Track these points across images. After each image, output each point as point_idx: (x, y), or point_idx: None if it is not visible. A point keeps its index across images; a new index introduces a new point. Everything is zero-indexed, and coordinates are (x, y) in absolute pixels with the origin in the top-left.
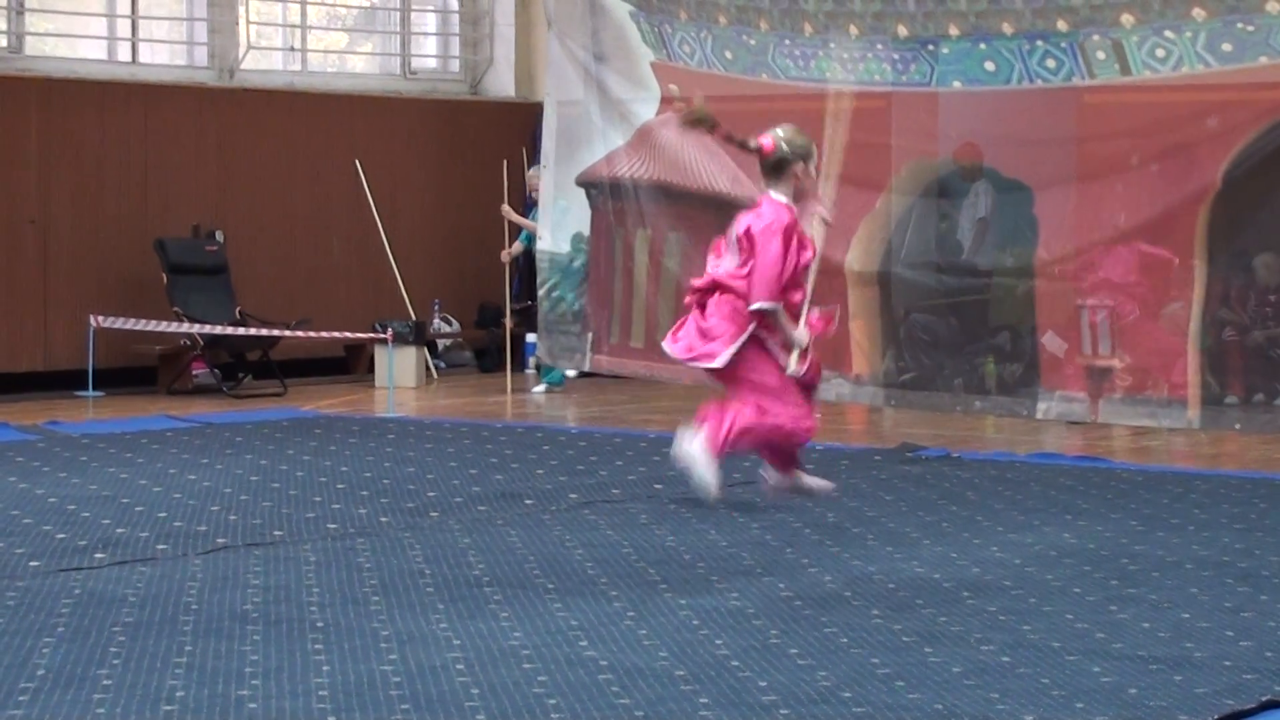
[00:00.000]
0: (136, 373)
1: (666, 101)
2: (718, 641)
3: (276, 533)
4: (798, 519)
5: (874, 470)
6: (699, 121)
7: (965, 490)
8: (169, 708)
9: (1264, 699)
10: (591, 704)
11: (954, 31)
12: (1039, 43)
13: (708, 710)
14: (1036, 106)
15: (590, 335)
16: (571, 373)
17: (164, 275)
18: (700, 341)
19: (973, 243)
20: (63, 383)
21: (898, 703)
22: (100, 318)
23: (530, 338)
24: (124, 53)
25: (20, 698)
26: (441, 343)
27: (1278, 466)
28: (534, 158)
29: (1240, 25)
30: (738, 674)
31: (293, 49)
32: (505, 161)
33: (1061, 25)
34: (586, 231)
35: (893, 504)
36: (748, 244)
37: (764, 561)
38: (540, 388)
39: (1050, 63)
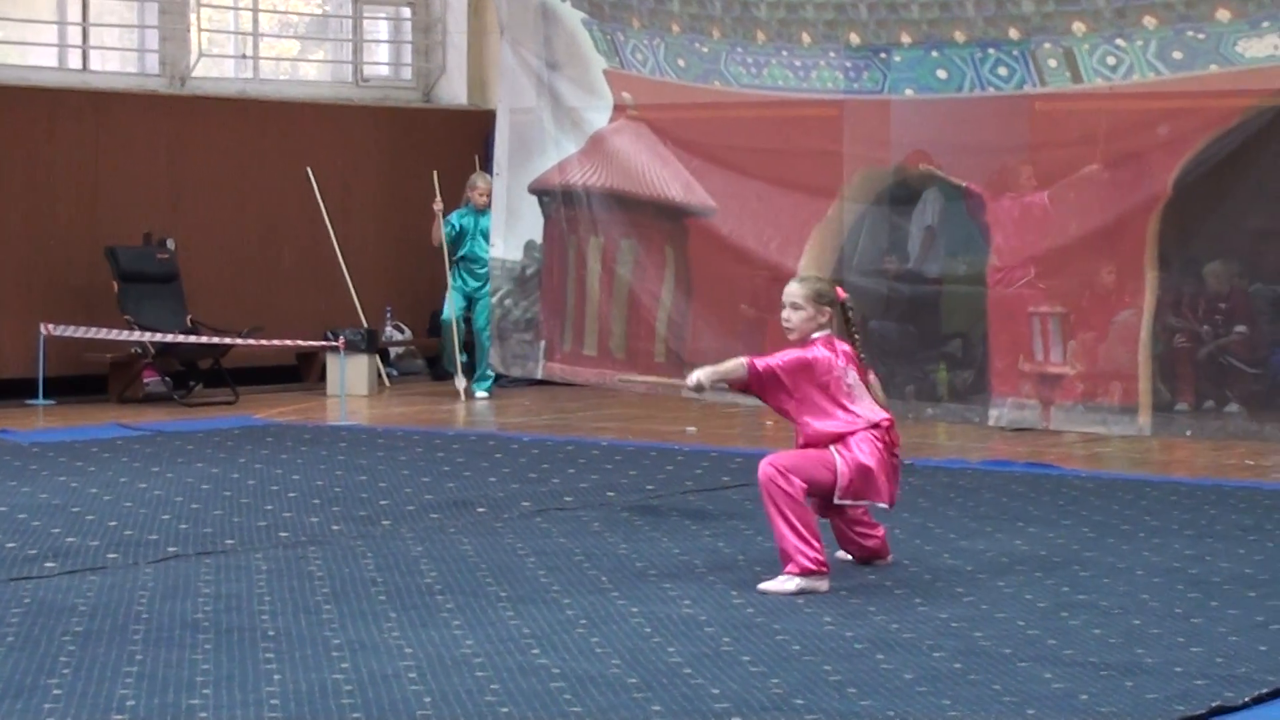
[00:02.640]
0: (87, 381)
1: (619, 109)
2: (670, 649)
3: (228, 541)
4: (749, 526)
5: None
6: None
7: (917, 497)
8: (120, 717)
9: (1214, 704)
10: (544, 712)
11: (906, 39)
12: (991, 51)
13: (660, 718)
14: (988, 114)
15: (543, 343)
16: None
17: (115, 283)
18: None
19: (920, 250)
20: (13, 391)
21: (850, 710)
22: (51, 326)
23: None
24: (75, 60)
25: None
26: (393, 351)
27: (1228, 473)
28: (486, 165)
29: (1191, 34)
30: (690, 681)
31: (244, 56)
32: (435, 173)
33: (1013, 33)
34: (539, 239)
35: None
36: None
37: (717, 569)
38: (482, 394)
39: (1002, 71)
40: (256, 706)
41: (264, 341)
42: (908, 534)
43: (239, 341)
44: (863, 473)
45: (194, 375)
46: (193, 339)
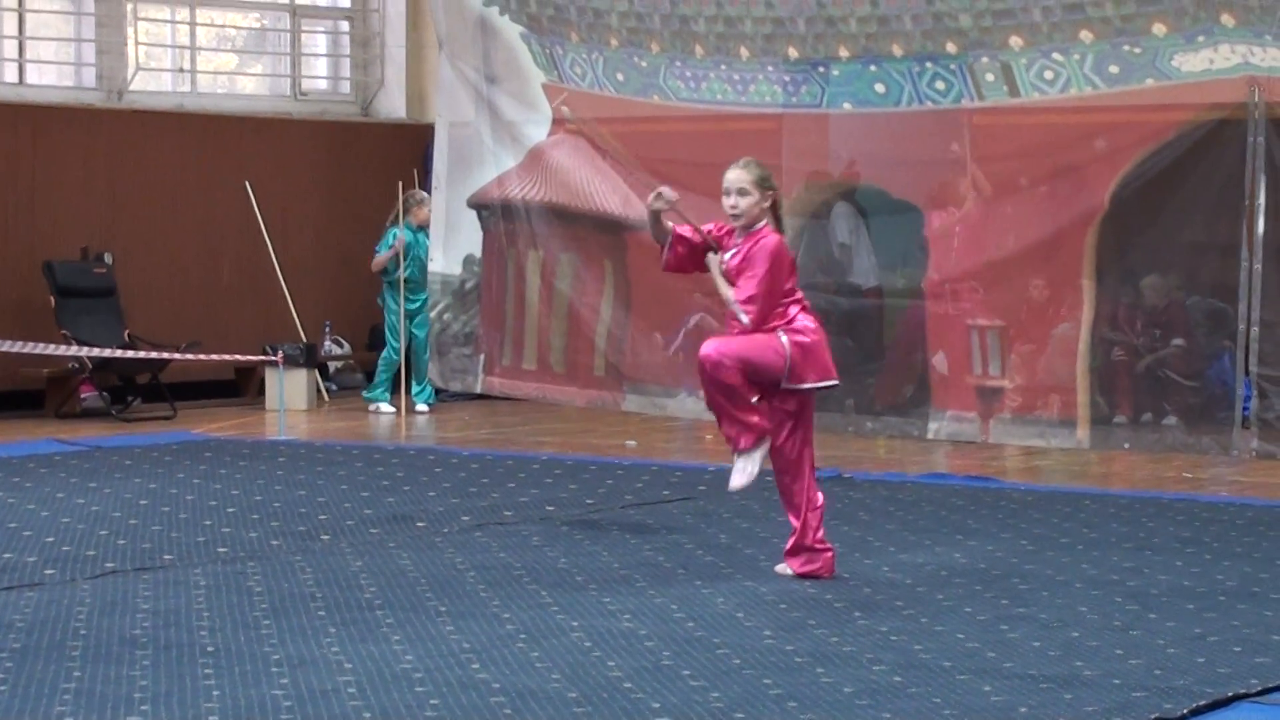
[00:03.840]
0: (24, 396)
1: (558, 123)
2: (610, 663)
3: (166, 557)
4: (690, 540)
5: (766, 492)
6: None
7: (857, 510)
8: None
9: (1153, 717)
10: None
11: (844, 53)
12: (929, 65)
13: None
14: (926, 128)
15: (482, 357)
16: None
17: (52, 298)
18: None
19: (841, 266)
20: None
21: None
22: None
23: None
24: (11, 73)
25: None
26: (333, 365)
27: (1166, 485)
28: (425, 179)
29: (1127, 48)
30: (630, 696)
31: (182, 70)
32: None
33: (951, 47)
34: (478, 253)
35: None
36: None
37: (656, 583)
38: (423, 407)
39: (940, 84)
40: None
41: (202, 356)
42: (847, 547)
43: (177, 356)
44: (805, 350)
45: (132, 390)
46: (131, 354)
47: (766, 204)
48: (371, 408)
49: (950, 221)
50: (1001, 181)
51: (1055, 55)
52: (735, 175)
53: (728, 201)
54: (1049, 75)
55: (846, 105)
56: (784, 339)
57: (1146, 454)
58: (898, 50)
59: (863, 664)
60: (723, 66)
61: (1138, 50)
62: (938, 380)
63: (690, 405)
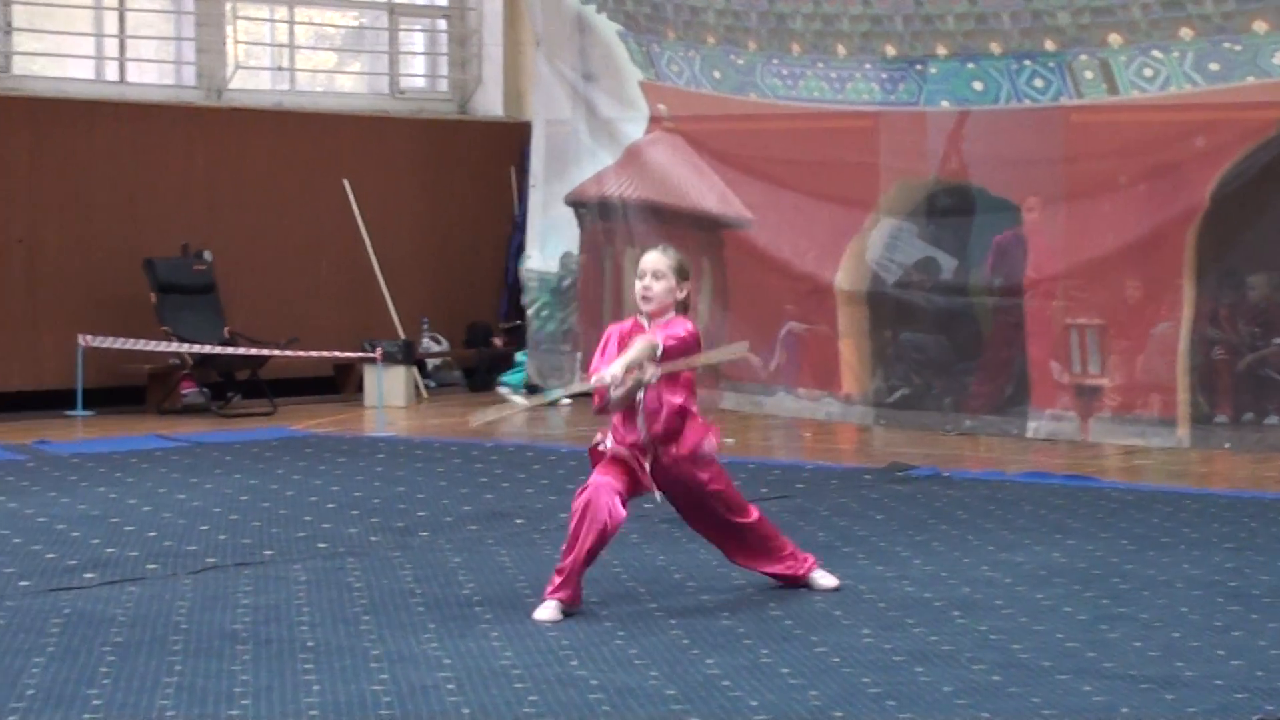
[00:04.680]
0: (125, 392)
1: (655, 121)
2: (708, 661)
3: (266, 552)
4: (790, 538)
5: (864, 489)
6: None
7: (955, 509)
8: None
9: (1255, 718)
10: None
11: (942, 51)
12: (1027, 62)
13: None
14: (1024, 126)
15: (579, 354)
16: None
17: (153, 294)
18: None
19: (935, 265)
20: (52, 402)
21: None
22: (89, 337)
23: (519, 356)
24: (112, 72)
25: (10, 717)
26: (430, 362)
27: (1267, 485)
28: (522, 177)
29: (1227, 45)
30: (728, 693)
31: (281, 68)
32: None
33: (1049, 45)
34: (575, 251)
35: (883, 523)
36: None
37: (754, 581)
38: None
39: (1038, 82)
40: (295, 717)
41: (302, 353)
42: (946, 546)
43: (277, 353)
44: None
45: (232, 386)
46: (231, 350)
47: (681, 295)
48: (504, 391)
49: (1049, 220)
50: (1100, 180)
51: (1155, 53)
52: (654, 258)
53: (643, 284)
54: (1148, 73)
55: (944, 103)
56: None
57: (1248, 454)
58: (996, 48)
59: (962, 663)
60: (819, 64)
61: (1238, 48)
62: (1037, 379)
63: (788, 404)
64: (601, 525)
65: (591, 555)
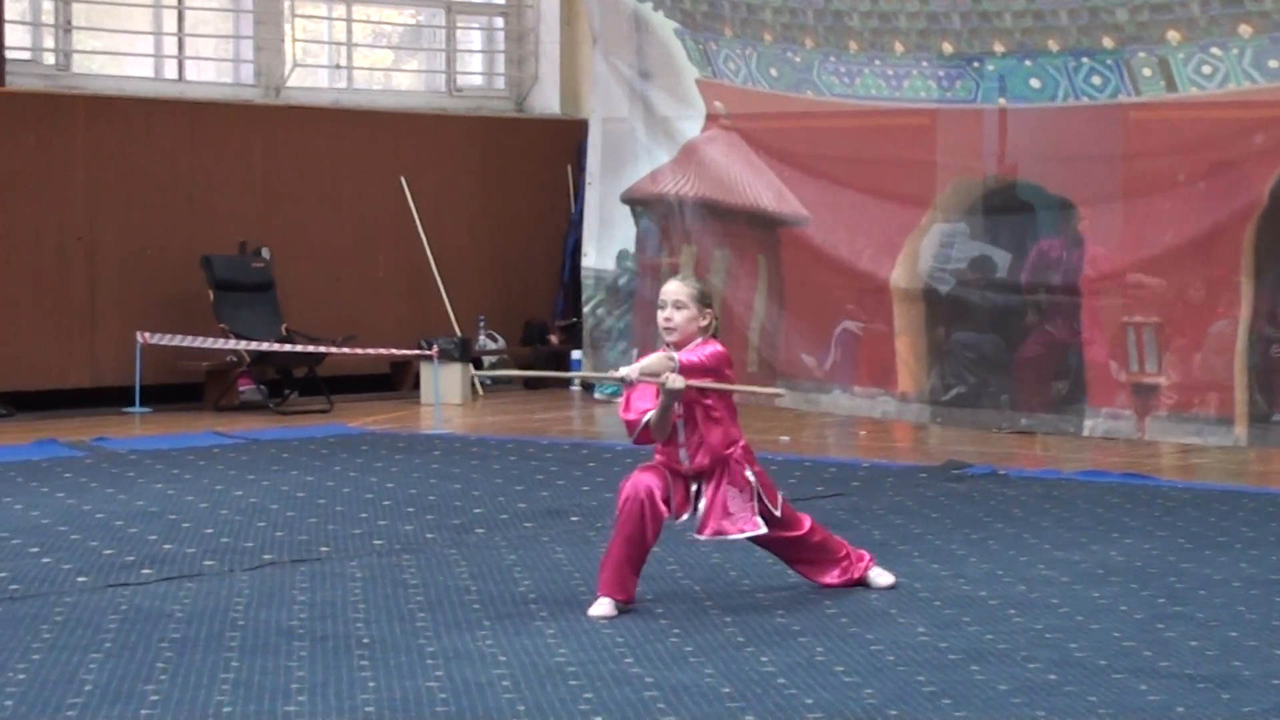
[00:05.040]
0: (183, 389)
1: (712, 118)
2: (764, 658)
3: (323, 549)
4: (843, 536)
5: (920, 488)
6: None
7: (1011, 508)
8: None
9: None
10: None
11: (999, 48)
12: (1085, 60)
13: None
14: (1082, 123)
15: (636, 352)
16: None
17: (210, 292)
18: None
19: (991, 263)
20: (110, 399)
21: None
22: (147, 334)
23: (575, 354)
24: (170, 70)
25: (68, 713)
26: (487, 359)
27: None
28: (579, 175)
29: None
30: (784, 691)
31: (339, 66)
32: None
33: (1107, 42)
34: (632, 249)
35: (939, 521)
36: None
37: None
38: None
39: (1096, 80)
40: (351, 714)
41: (358, 350)
42: (1002, 544)
43: (334, 350)
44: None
45: (289, 383)
46: (288, 347)
47: (704, 322)
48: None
49: (1106, 217)
50: (1158, 177)
51: (1213, 50)
52: (674, 288)
53: (664, 314)
54: (1207, 70)
55: (1001, 101)
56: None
57: None
58: (1054, 45)
59: (1018, 661)
60: (877, 62)
61: None
62: (1094, 377)
63: (843, 402)
64: (638, 519)
65: (631, 549)
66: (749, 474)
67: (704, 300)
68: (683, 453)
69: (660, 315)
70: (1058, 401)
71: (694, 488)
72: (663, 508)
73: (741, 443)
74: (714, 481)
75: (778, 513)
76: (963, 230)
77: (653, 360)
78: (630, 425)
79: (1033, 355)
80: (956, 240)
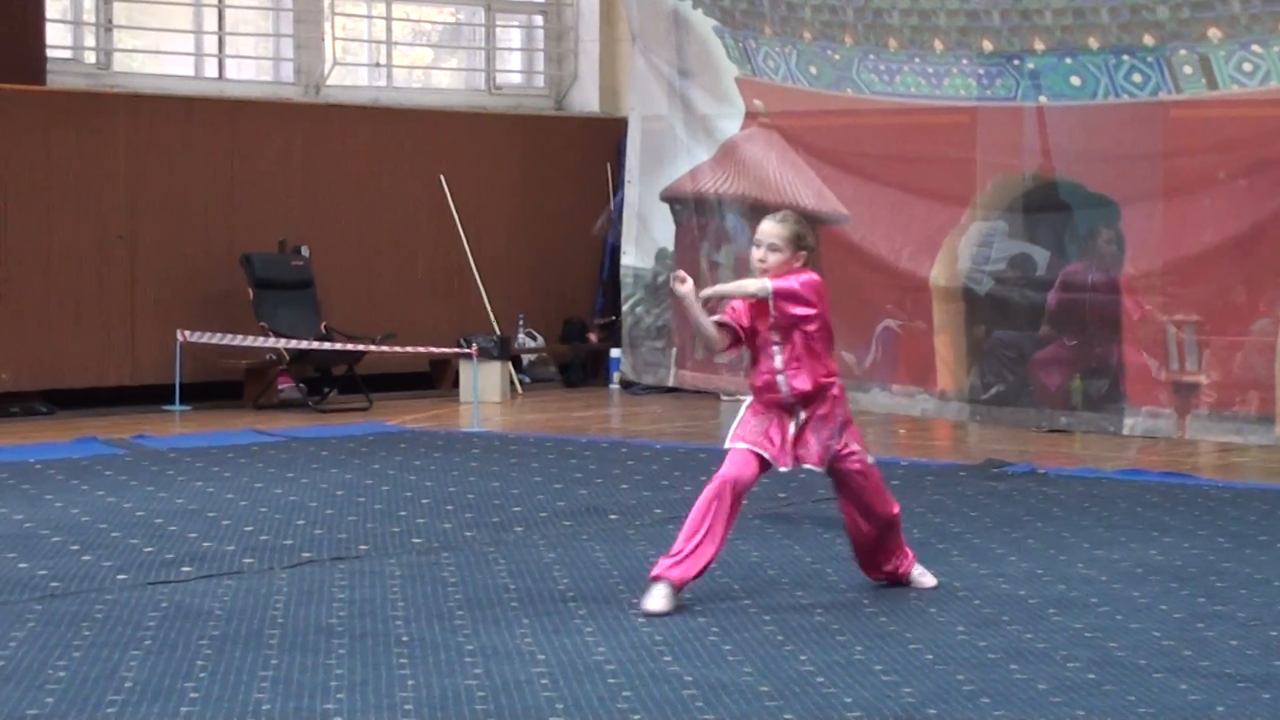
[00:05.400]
0: (223, 387)
1: (751, 116)
2: (802, 657)
3: (362, 547)
4: None
5: (959, 486)
6: None
7: (1051, 506)
8: None
9: None
10: (675, 719)
11: (1040, 46)
12: (1125, 57)
13: None
14: (1123, 121)
15: (674, 350)
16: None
17: (250, 290)
18: None
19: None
20: (150, 397)
21: (983, 719)
22: (187, 332)
23: (615, 352)
24: (211, 69)
25: (108, 710)
26: (526, 358)
27: None
28: (618, 172)
29: None
30: (822, 690)
31: (378, 65)
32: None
33: (1148, 40)
34: (670, 247)
35: (978, 520)
36: None
37: (849, 577)
38: None
39: (1136, 77)
40: (390, 711)
41: (397, 348)
42: (1042, 543)
43: (373, 348)
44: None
45: (328, 381)
46: (327, 345)
47: (797, 264)
48: None
49: (1147, 215)
50: (1199, 175)
51: (1255, 47)
52: (770, 229)
53: (758, 255)
54: (1248, 67)
55: (1042, 99)
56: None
57: None
58: (1094, 43)
59: (1057, 661)
60: (916, 59)
61: None
62: (1133, 376)
63: (882, 400)
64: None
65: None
66: (844, 410)
67: (799, 242)
68: (781, 379)
69: (754, 254)
70: (1098, 400)
71: (792, 427)
72: (742, 501)
73: (839, 381)
74: (810, 411)
75: (870, 459)
76: (1002, 228)
77: (745, 281)
78: (719, 327)
79: (1071, 354)
80: (996, 238)
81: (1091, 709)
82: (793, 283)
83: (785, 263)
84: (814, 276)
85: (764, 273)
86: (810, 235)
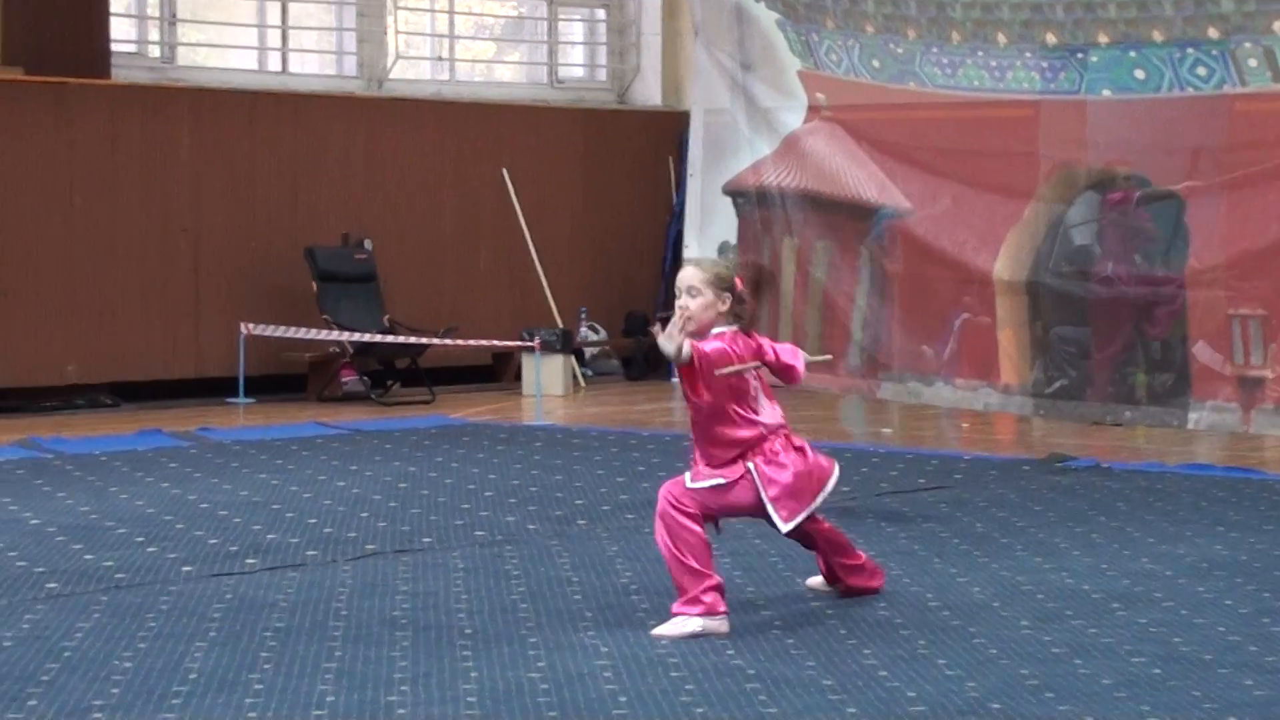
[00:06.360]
0: (286, 380)
1: (813, 110)
2: (866, 651)
3: (425, 540)
4: (946, 529)
5: (1023, 480)
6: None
7: (1115, 501)
8: (319, 713)
9: None
10: (739, 712)
11: (1103, 39)
12: (1190, 50)
13: None
14: (1187, 115)
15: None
16: None
17: (314, 283)
18: None
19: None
20: (214, 390)
21: (1047, 714)
22: (251, 325)
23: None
24: (274, 63)
25: (173, 701)
26: (588, 351)
27: None
28: (680, 166)
29: None
30: (886, 684)
31: (441, 58)
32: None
33: (1213, 33)
34: (733, 240)
35: (1041, 514)
36: None
37: (912, 572)
38: None
39: (1201, 70)
40: (454, 704)
41: (460, 341)
42: (1105, 538)
43: (436, 341)
44: (788, 489)
45: (391, 374)
46: (390, 339)
47: (723, 307)
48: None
49: (1212, 209)
50: (1265, 169)
51: None
52: (689, 274)
53: (679, 302)
54: None
55: (1105, 92)
56: (753, 471)
57: None
58: (1158, 36)
59: (1121, 655)
60: (979, 53)
61: None
62: (1198, 370)
63: (946, 394)
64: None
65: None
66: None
67: (721, 283)
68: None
69: (676, 303)
70: (1162, 394)
71: None
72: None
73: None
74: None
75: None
76: (1065, 222)
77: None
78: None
79: (1135, 348)
80: (1059, 233)
81: (1156, 704)
82: (709, 348)
83: (708, 306)
84: (719, 345)
85: (686, 319)
86: (730, 276)
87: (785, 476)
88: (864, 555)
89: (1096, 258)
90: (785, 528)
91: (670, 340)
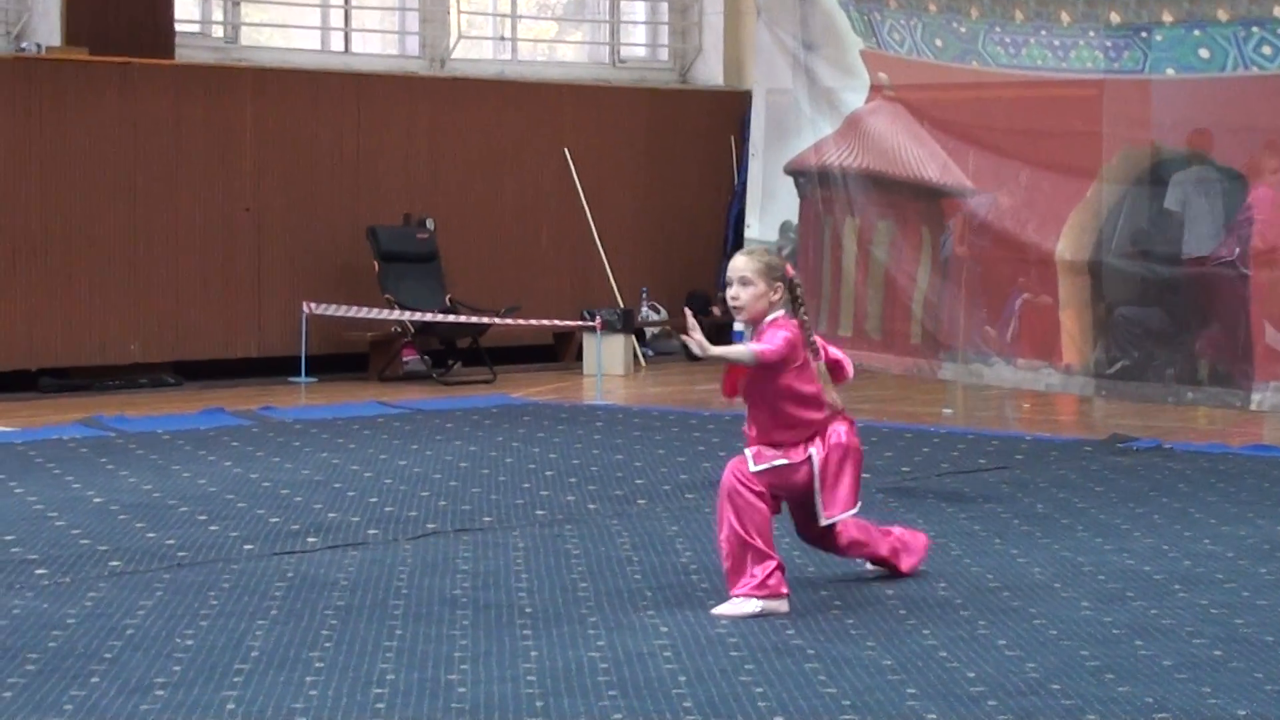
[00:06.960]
0: (348, 359)
1: (875, 89)
2: (925, 631)
3: (486, 519)
4: (1007, 510)
5: (1084, 461)
6: None
7: (1177, 482)
8: (379, 690)
9: None
10: (798, 692)
11: (1167, 18)
12: (1255, 29)
13: (915, 700)
14: (1252, 94)
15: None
16: None
17: (375, 262)
18: None
19: (1150, 235)
20: (276, 369)
21: (1107, 695)
22: (313, 305)
23: (738, 325)
24: (337, 42)
25: (235, 678)
26: (649, 331)
27: None
28: (742, 146)
29: None
30: (945, 664)
31: (503, 38)
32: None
33: (1278, 11)
34: (795, 220)
35: (1103, 495)
36: None
37: (972, 552)
38: None
39: (1266, 50)
40: (514, 683)
41: (521, 321)
42: (1167, 519)
43: (497, 321)
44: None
45: (452, 354)
46: (451, 318)
47: (774, 296)
48: None
49: (1276, 188)
50: None
51: None
52: (740, 263)
53: (731, 292)
54: None
55: (1170, 71)
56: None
57: None
58: (1223, 15)
59: (1182, 637)
60: (1043, 32)
61: None
62: (1262, 351)
63: (1007, 374)
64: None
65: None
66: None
67: (772, 273)
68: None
69: (728, 293)
70: (1225, 375)
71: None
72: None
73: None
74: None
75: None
76: (1129, 202)
77: (735, 350)
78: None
79: (1199, 328)
80: (1123, 212)
81: (1217, 685)
82: (772, 346)
83: (760, 296)
84: (788, 333)
85: (738, 310)
86: (780, 266)
87: (844, 483)
88: (887, 544)
89: (1161, 238)
90: (825, 521)
91: (703, 351)
